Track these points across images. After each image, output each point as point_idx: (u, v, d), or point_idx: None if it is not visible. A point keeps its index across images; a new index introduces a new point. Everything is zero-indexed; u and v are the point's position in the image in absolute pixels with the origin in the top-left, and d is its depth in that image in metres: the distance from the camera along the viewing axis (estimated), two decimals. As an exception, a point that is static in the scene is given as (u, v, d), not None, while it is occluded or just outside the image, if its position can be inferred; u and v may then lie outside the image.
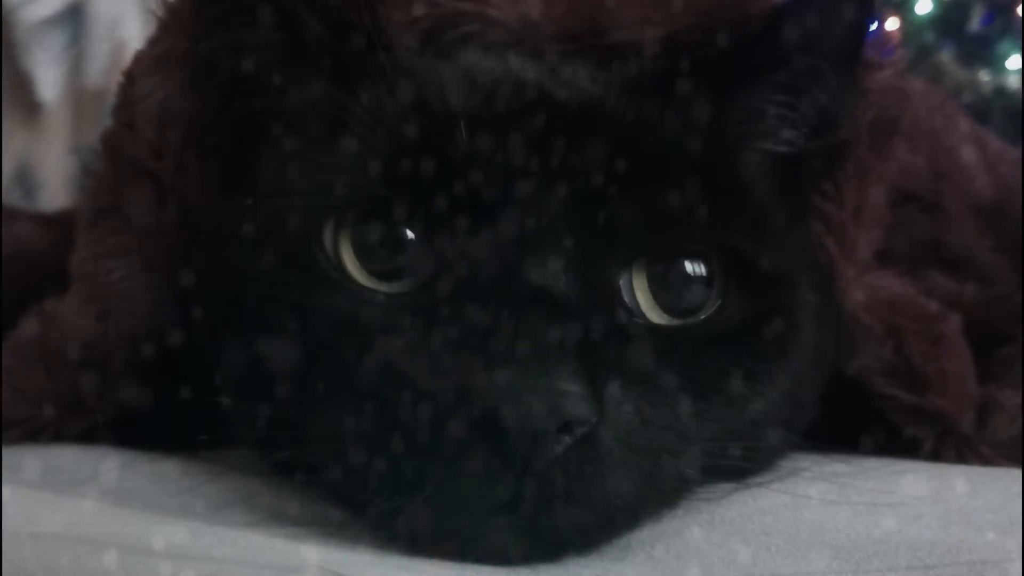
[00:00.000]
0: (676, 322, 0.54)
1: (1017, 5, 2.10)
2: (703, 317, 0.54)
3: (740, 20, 0.59)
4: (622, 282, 0.53)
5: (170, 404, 0.55)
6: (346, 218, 0.53)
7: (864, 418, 0.63)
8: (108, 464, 0.57)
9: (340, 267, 0.52)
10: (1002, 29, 2.12)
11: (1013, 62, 2.10)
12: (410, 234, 0.52)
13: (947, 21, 2.13)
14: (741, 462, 0.55)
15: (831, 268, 0.60)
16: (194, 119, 0.60)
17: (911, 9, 2.13)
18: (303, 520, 0.50)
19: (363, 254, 0.52)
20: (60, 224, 0.82)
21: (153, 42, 0.62)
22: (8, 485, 0.49)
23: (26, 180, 2.50)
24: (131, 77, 0.63)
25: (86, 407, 0.61)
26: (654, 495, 0.50)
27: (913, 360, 0.63)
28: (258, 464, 0.54)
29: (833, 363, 0.62)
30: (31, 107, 2.55)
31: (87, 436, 0.61)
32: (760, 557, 0.47)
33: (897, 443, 0.64)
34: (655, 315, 0.53)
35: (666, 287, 0.53)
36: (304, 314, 0.52)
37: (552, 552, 0.48)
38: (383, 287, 0.52)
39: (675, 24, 0.59)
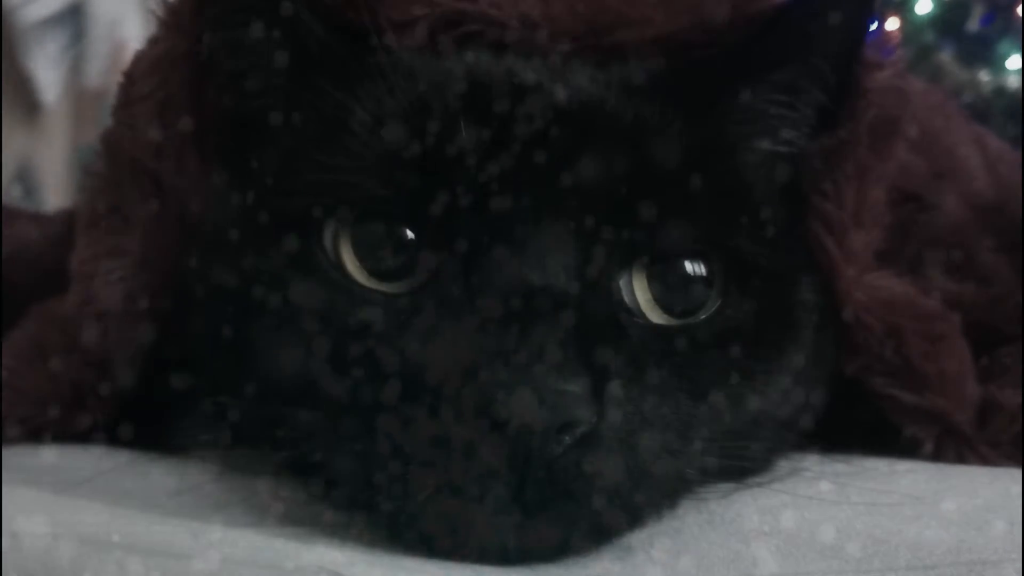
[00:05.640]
0: (676, 322, 0.54)
1: (1017, 5, 2.10)
2: (703, 317, 0.54)
3: (740, 20, 0.59)
4: (622, 282, 0.53)
5: (170, 404, 0.55)
6: (346, 218, 0.53)
7: (864, 418, 0.63)
8: (108, 464, 0.57)
9: (340, 267, 0.53)
10: (1002, 29, 2.12)
11: (1013, 62, 2.10)
12: (410, 234, 0.52)
13: (947, 21, 2.13)
14: (741, 462, 0.55)
15: (831, 268, 0.60)
16: (194, 119, 0.59)
17: (911, 9, 2.13)
18: (303, 520, 0.50)
19: (363, 254, 0.53)
20: (60, 224, 0.82)
21: (153, 42, 0.62)
22: (8, 485, 0.49)
23: (26, 180, 2.51)
24: (131, 77, 0.63)
25: (86, 407, 0.61)
26: (654, 495, 0.50)
27: (913, 360, 0.62)
28: (258, 464, 0.54)
29: (833, 363, 0.62)
30: (31, 107, 2.56)
31: (87, 436, 0.61)
32: (760, 557, 0.47)
33: (897, 443, 0.64)
34: (655, 315, 0.53)
35: (666, 287, 0.53)
36: (304, 314, 0.52)
37: (552, 552, 0.48)
38: (383, 287, 0.52)
39: (675, 24, 0.59)
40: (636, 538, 0.50)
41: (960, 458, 0.64)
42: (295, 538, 0.47)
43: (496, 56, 0.57)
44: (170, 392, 0.55)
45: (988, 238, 0.78)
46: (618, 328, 0.51)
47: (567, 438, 0.46)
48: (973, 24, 2.13)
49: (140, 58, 0.63)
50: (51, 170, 2.59)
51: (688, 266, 0.54)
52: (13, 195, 2.35)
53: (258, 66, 0.58)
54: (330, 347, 0.50)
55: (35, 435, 0.61)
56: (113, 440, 0.60)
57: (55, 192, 2.49)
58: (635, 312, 0.53)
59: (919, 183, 0.77)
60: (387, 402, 0.47)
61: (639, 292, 0.53)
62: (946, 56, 2.11)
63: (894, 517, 0.51)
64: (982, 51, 2.12)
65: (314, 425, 0.50)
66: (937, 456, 0.64)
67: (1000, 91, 2.08)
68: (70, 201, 1.19)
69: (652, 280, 0.53)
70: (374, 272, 0.52)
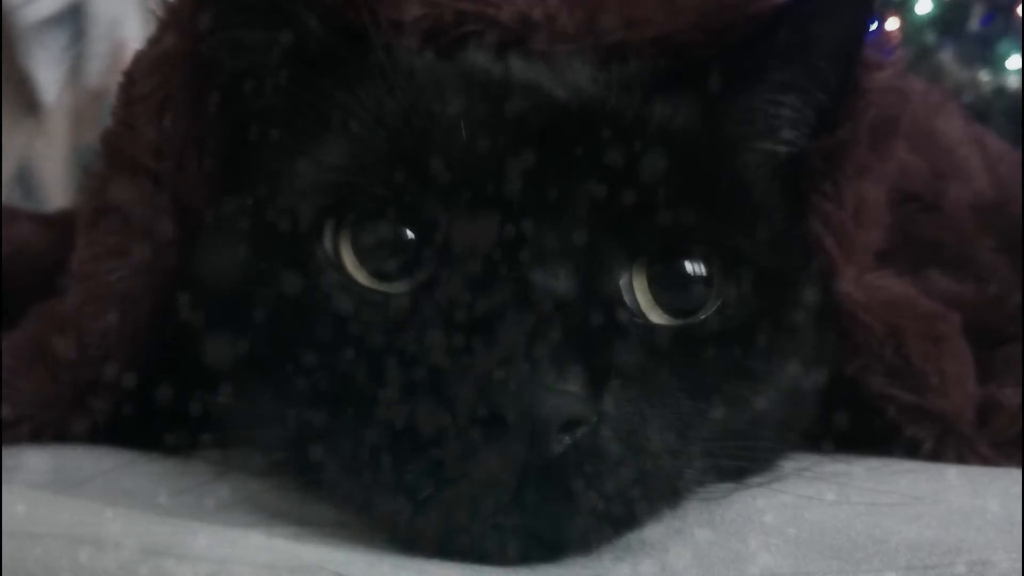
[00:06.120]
0: (676, 322, 0.54)
1: (1017, 5, 2.10)
2: (703, 317, 0.54)
3: (740, 20, 0.59)
4: (622, 282, 0.53)
5: (170, 404, 0.55)
6: (346, 218, 0.53)
7: (864, 418, 0.63)
8: (108, 464, 0.57)
9: (340, 267, 0.53)
10: (1002, 29, 2.12)
11: (1013, 62, 2.10)
12: (410, 234, 0.52)
13: (947, 21, 2.13)
14: (741, 462, 0.55)
15: (831, 268, 0.60)
16: (194, 119, 0.60)
17: (911, 9, 2.13)
18: (303, 520, 0.50)
19: (363, 254, 0.53)
20: (60, 224, 0.82)
21: (153, 42, 0.62)
22: (8, 485, 0.49)
23: (26, 180, 2.50)
24: (131, 77, 0.63)
25: (86, 407, 0.61)
26: (654, 495, 0.50)
27: (913, 360, 0.62)
28: (258, 464, 0.54)
29: (833, 363, 0.62)
30: (31, 107, 2.55)
31: (87, 436, 0.61)
32: (760, 557, 0.47)
33: (897, 443, 0.64)
34: (655, 315, 0.53)
35: (666, 287, 0.53)
36: (304, 314, 0.52)
37: (552, 552, 0.48)
38: (383, 287, 0.52)
39: (675, 24, 0.59)
40: (636, 538, 0.50)
41: (960, 458, 0.64)
42: (295, 538, 0.47)
43: (496, 56, 0.57)
44: (170, 392, 0.55)
45: (988, 238, 0.79)
46: (618, 328, 0.51)
47: (567, 438, 0.46)
48: (973, 24, 2.13)
49: (140, 58, 0.63)
50: (51, 170, 2.59)
51: (688, 266, 0.54)
52: (13, 195, 2.35)
53: (258, 66, 0.58)
54: (330, 347, 0.50)
55: (35, 435, 0.61)
56: (113, 440, 0.60)
57: (55, 192, 2.49)
58: (635, 312, 0.53)
59: (919, 183, 0.77)
60: (387, 402, 0.47)
61: (639, 292, 0.53)
62: (946, 56, 2.11)
63: (894, 517, 0.51)
64: (982, 51, 2.12)
65: (314, 424, 0.50)
66: (937, 456, 0.64)
67: (1000, 91, 2.08)
68: (70, 201, 1.19)
69: (652, 280, 0.53)
70: (374, 272, 0.52)
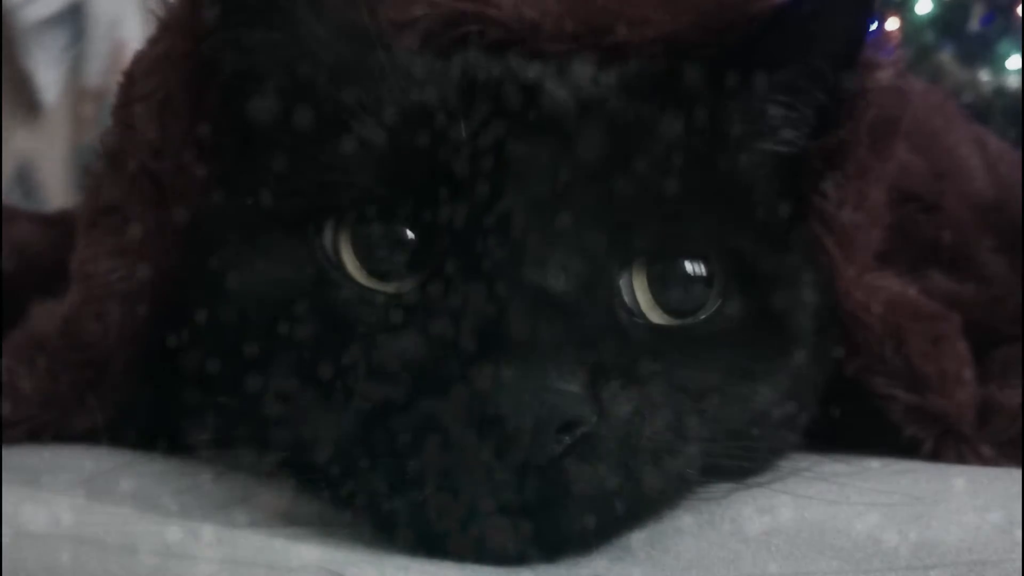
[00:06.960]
0: (676, 322, 0.54)
1: (1017, 5, 2.10)
2: (703, 317, 0.54)
3: (740, 20, 0.59)
4: (622, 282, 0.53)
5: (170, 404, 0.55)
6: (346, 218, 0.53)
7: (864, 418, 0.63)
8: (108, 464, 0.57)
9: (340, 267, 0.53)
10: (1002, 29, 2.13)
11: (1013, 62, 2.10)
12: (410, 234, 0.52)
13: (947, 21, 2.13)
14: (741, 462, 0.55)
15: (831, 268, 0.60)
16: (194, 119, 0.60)
17: (911, 9, 2.13)
18: (303, 520, 0.50)
19: (363, 254, 0.53)
20: (60, 224, 0.82)
21: (153, 42, 0.62)
22: (8, 485, 0.49)
23: (26, 180, 2.50)
24: (131, 77, 0.63)
25: (86, 407, 0.61)
26: (654, 495, 0.50)
27: (913, 360, 0.62)
28: (258, 464, 0.54)
29: (833, 363, 0.62)
30: (31, 107, 2.56)
31: (87, 436, 0.61)
32: (760, 557, 0.47)
33: (897, 443, 0.64)
34: (655, 315, 0.53)
35: (666, 287, 0.54)
36: (304, 314, 0.52)
37: (552, 552, 0.47)
38: (383, 287, 0.52)
39: (675, 24, 0.59)
40: (636, 538, 0.50)
41: (960, 458, 0.64)
42: (295, 538, 0.47)
43: (496, 56, 0.57)
44: (170, 392, 0.55)
45: (988, 238, 0.79)
46: (618, 328, 0.52)
47: (566, 438, 0.46)
48: (973, 24, 2.13)
49: (140, 58, 0.63)
50: (51, 170, 2.59)
51: (688, 266, 0.54)
52: (13, 195, 2.35)
53: (258, 66, 0.58)
54: (329, 347, 0.50)
55: (35, 435, 0.61)
56: (113, 440, 0.60)
57: (55, 192, 2.49)
58: (635, 312, 0.53)
59: (919, 183, 0.77)
60: (386, 402, 0.47)
61: (639, 292, 0.53)
62: (946, 56, 2.11)
63: (894, 517, 0.51)
64: (982, 51, 2.13)
65: (314, 424, 0.50)
66: (937, 456, 0.64)
67: (1000, 91, 2.08)
68: (70, 201, 1.19)
69: (652, 280, 0.53)
70: (374, 272, 0.52)
